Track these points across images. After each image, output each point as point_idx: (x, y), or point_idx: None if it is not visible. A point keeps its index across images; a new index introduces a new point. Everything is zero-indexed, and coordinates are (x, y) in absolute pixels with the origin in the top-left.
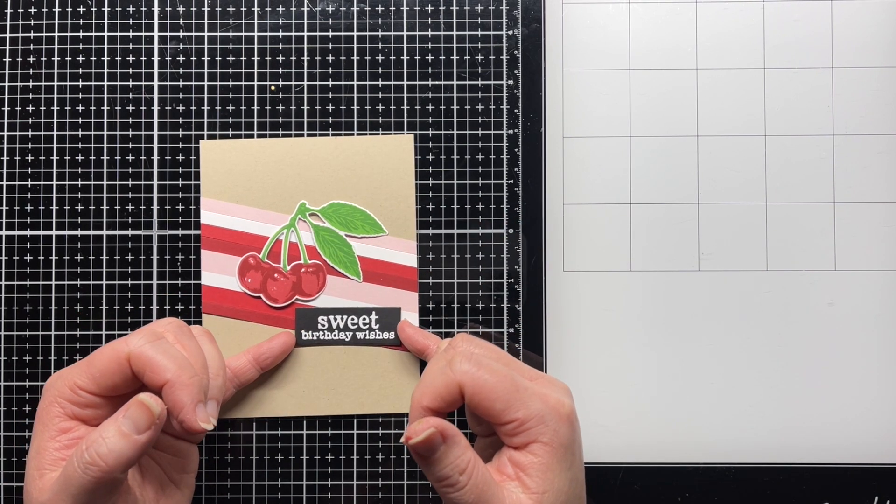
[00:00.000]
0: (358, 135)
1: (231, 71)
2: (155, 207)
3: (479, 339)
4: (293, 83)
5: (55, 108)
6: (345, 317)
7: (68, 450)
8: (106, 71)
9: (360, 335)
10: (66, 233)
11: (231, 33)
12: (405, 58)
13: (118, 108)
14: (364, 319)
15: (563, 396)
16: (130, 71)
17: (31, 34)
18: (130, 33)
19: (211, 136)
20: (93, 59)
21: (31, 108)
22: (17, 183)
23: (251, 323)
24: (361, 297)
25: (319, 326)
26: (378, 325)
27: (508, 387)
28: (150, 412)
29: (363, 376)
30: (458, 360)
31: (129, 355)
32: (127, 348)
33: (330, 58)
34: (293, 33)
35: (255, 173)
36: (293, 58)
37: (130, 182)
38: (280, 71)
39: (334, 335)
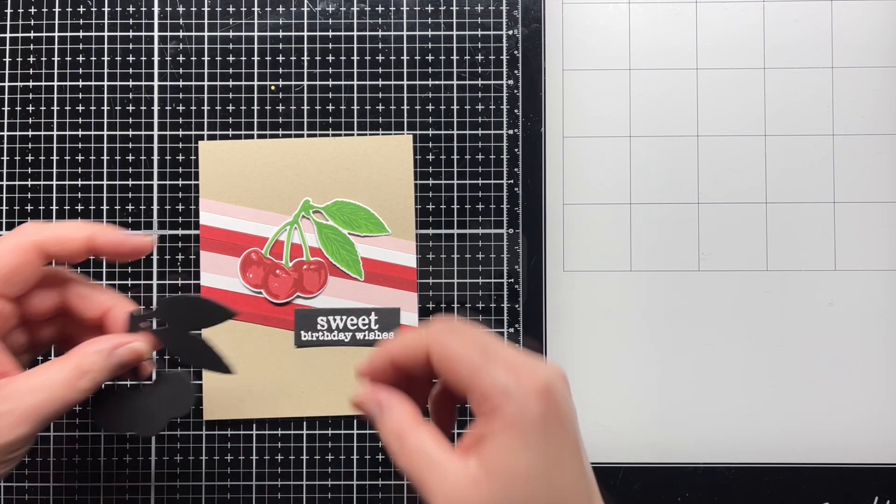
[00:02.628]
0: (357, 135)
1: (231, 71)
2: (155, 207)
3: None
4: (293, 83)
5: (55, 108)
6: (344, 317)
7: None
8: (106, 71)
9: (359, 335)
10: None
11: (231, 33)
12: (405, 58)
13: (118, 108)
14: (364, 320)
15: (540, 369)
16: (130, 71)
17: (31, 34)
18: (130, 33)
19: (211, 137)
20: (93, 59)
21: (31, 108)
22: (17, 183)
23: (250, 324)
24: (361, 298)
25: (319, 327)
26: (378, 326)
27: (475, 353)
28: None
29: None
30: (434, 323)
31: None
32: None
33: (330, 58)
34: (293, 33)
35: (254, 174)
36: (293, 58)
37: (130, 182)
38: (280, 71)
39: (334, 336)
